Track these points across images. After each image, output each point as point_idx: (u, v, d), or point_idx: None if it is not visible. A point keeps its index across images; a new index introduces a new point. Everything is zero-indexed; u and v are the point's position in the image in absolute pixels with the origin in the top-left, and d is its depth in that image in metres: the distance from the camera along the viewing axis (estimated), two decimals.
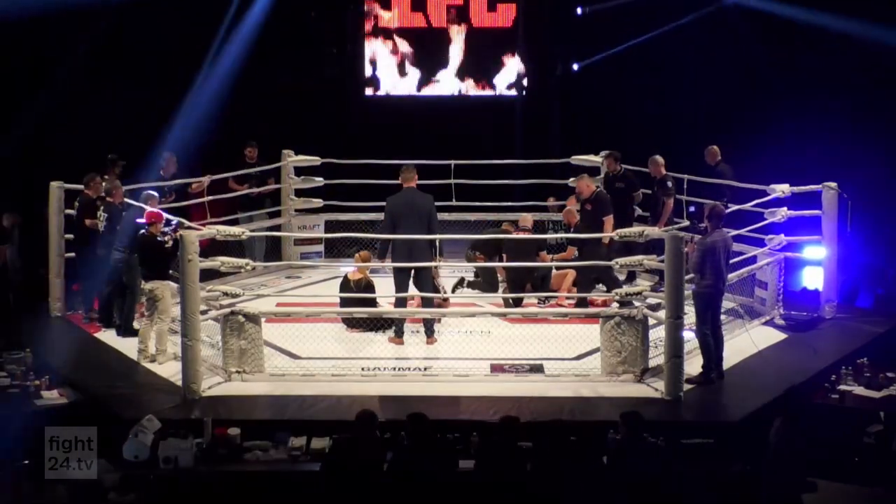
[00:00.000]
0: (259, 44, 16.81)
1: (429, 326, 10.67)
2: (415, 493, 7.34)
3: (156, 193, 11.15)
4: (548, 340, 10.29)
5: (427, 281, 10.66)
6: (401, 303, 10.63)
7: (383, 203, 10.90)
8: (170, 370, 9.91)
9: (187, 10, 15.95)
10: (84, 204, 11.44)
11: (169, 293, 10.29)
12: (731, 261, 10.29)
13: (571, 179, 13.89)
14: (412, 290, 10.63)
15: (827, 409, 9.21)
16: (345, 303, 10.92)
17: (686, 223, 11.66)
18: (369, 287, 11.18)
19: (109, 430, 8.28)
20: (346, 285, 11.16)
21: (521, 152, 14.22)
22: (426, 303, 10.69)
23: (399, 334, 10.64)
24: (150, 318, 10.33)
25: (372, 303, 11.03)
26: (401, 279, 10.59)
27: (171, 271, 10.26)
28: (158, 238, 10.23)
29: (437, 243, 10.65)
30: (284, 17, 17.11)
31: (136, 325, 10.82)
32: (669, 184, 12.58)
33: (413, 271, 10.49)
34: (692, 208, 12.72)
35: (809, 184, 11.87)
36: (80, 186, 11.62)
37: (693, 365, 9.77)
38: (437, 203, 10.76)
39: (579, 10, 17.39)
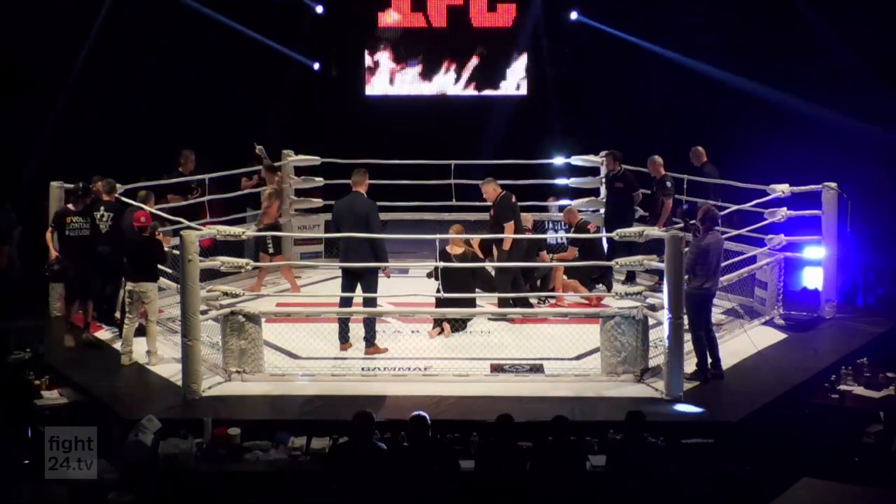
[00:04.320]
0: (259, 43, 16.86)
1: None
2: (415, 493, 7.34)
3: (151, 192, 11.09)
4: (548, 340, 10.29)
5: (371, 283, 10.37)
6: (344, 303, 10.42)
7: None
8: (170, 370, 9.91)
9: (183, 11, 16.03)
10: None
11: (156, 294, 10.17)
12: (731, 261, 10.25)
13: (572, 180, 13.93)
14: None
15: (827, 409, 9.20)
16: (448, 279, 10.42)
17: (681, 223, 11.63)
18: (476, 260, 11.02)
19: (109, 430, 8.28)
20: (447, 261, 10.77)
21: (522, 152, 14.19)
22: (368, 304, 10.34)
23: (344, 340, 10.39)
24: (132, 318, 10.17)
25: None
26: (344, 281, 10.50)
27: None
28: (150, 237, 10.16)
29: (380, 251, 10.38)
30: (284, 18, 17.17)
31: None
32: (669, 184, 12.58)
33: (357, 274, 10.31)
34: (686, 206, 12.70)
35: (809, 184, 11.86)
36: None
37: (692, 366, 9.76)
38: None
39: (574, 16, 17.45)
